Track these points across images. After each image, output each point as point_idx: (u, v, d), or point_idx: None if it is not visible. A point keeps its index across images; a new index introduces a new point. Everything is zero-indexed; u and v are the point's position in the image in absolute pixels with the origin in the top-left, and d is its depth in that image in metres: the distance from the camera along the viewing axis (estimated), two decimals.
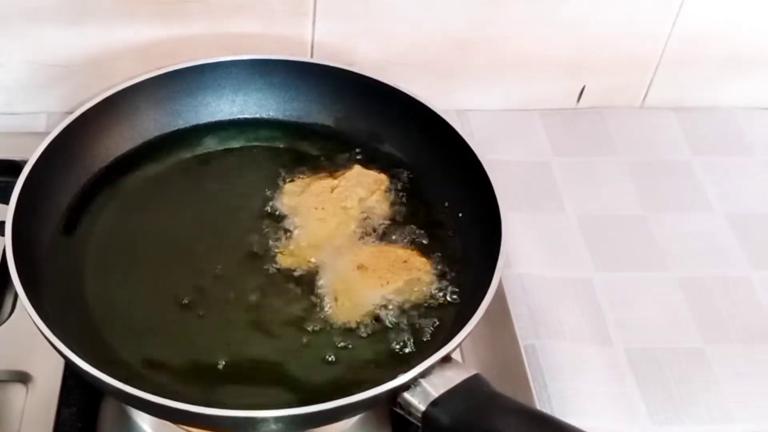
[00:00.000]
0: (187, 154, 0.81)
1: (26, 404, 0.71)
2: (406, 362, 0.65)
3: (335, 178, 0.78)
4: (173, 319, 0.69)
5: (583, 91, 0.98)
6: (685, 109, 1.00)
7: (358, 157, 0.81)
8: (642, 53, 0.96)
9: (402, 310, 0.70)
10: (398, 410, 0.62)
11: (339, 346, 0.68)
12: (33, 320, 0.62)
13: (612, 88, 0.98)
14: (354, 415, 0.68)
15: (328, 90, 0.83)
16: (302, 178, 0.79)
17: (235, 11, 0.87)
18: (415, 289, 0.71)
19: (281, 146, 0.83)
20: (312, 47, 0.91)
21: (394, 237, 0.75)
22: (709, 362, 0.78)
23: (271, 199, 0.77)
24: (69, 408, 0.71)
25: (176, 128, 0.82)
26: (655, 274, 0.85)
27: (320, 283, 0.71)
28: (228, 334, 0.68)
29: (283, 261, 0.73)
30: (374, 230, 0.75)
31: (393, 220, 0.76)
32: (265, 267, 0.72)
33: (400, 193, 0.78)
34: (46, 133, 0.74)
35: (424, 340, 0.68)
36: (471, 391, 0.61)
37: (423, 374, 0.61)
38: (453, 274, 0.72)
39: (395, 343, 0.68)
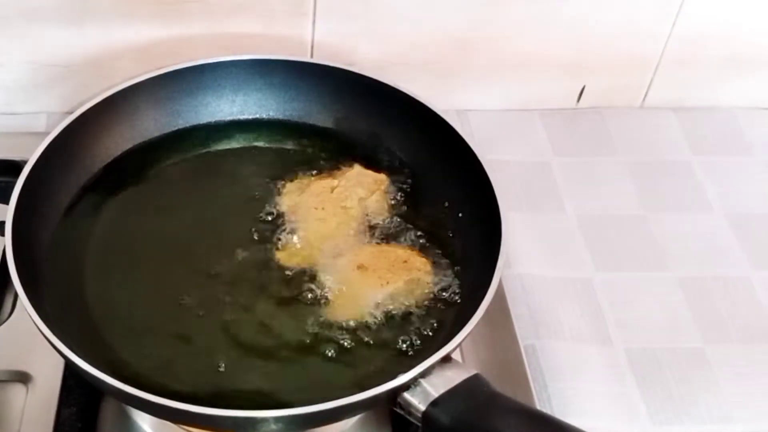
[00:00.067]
0: (187, 154, 0.81)
1: (26, 404, 0.71)
2: (406, 362, 0.65)
3: (335, 178, 0.78)
4: (173, 319, 0.69)
5: (583, 91, 0.98)
6: (685, 109, 1.00)
7: (358, 157, 0.81)
8: (642, 53, 0.96)
9: (402, 310, 0.70)
10: (398, 410, 0.62)
11: (339, 346, 0.68)
12: (33, 320, 0.62)
13: (612, 88, 0.98)
14: (354, 415, 0.68)
15: (328, 90, 0.83)
16: (302, 178, 0.79)
17: (235, 11, 0.87)
18: (415, 289, 0.71)
19: (281, 146, 0.83)
20: (312, 47, 0.91)
21: (394, 237, 0.75)
22: (709, 362, 0.78)
23: (271, 199, 0.77)
24: (69, 408, 0.71)
25: (176, 128, 0.82)
26: (655, 274, 0.85)
27: (320, 283, 0.71)
28: (228, 334, 0.68)
29: (283, 261, 0.73)
30: (374, 230, 0.75)
31: (393, 220, 0.76)
32: (265, 267, 0.72)
33: (400, 193, 0.78)
34: (46, 133, 0.74)
35: (424, 339, 0.68)
36: (471, 391, 0.61)
37: (423, 374, 0.61)
38: (453, 274, 0.72)
39: (395, 343, 0.68)
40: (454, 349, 0.62)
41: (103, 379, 0.60)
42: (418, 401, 0.61)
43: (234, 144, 0.83)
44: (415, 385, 0.61)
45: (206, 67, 0.82)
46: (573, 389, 0.76)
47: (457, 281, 0.72)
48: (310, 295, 0.71)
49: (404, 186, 0.79)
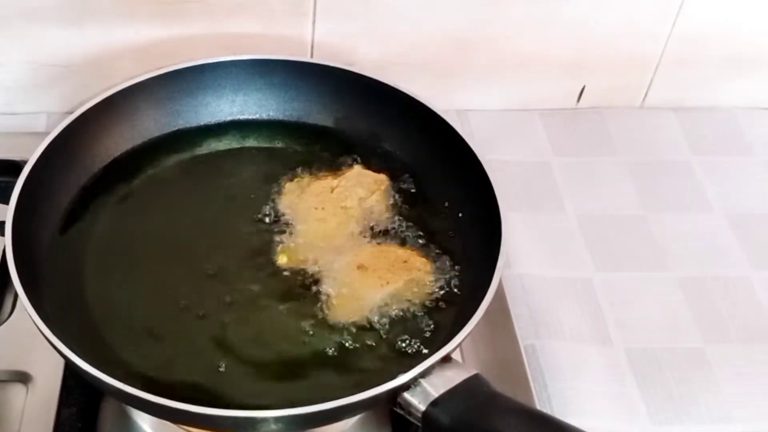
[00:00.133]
0: (187, 154, 0.81)
1: (26, 404, 0.71)
2: (406, 362, 0.65)
3: (335, 178, 0.78)
4: (173, 319, 0.69)
5: (583, 91, 0.98)
6: (685, 109, 1.00)
7: (358, 157, 0.81)
8: (642, 53, 0.96)
9: (402, 310, 0.70)
10: (398, 410, 0.62)
11: (339, 346, 0.68)
12: (33, 320, 0.62)
13: (612, 88, 0.98)
14: (354, 415, 0.68)
15: (328, 90, 0.83)
16: (302, 178, 0.79)
17: (235, 11, 0.87)
18: (415, 289, 0.71)
19: (281, 146, 0.83)
20: (312, 47, 0.91)
21: (393, 237, 0.75)
22: (709, 362, 0.78)
23: (271, 199, 0.77)
24: (69, 408, 0.71)
25: (176, 128, 0.82)
26: (655, 274, 0.85)
27: (320, 283, 0.71)
28: (227, 334, 0.68)
29: (283, 261, 0.73)
30: (374, 230, 0.75)
31: (393, 220, 0.76)
32: (265, 267, 0.72)
33: (400, 193, 0.78)
34: (46, 133, 0.74)
35: (424, 340, 0.68)
36: (471, 391, 0.61)
37: (423, 374, 0.61)
38: (453, 274, 0.72)
39: (395, 343, 0.68)
40: (454, 349, 0.62)
41: (103, 379, 0.60)
42: (418, 401, 0.61)
43: (234, 144, 0.83)
44: (415, 385, 0.61)
45: (206, 67, 0.82)
46: (573, 389, 0.76)
47: (457, 281, 0.72)
48: (310, 295, 0.71)
49: (404, 186, 0.79)
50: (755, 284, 0.84)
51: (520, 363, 0.76)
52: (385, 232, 0.75)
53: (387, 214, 0.77)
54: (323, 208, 0.76)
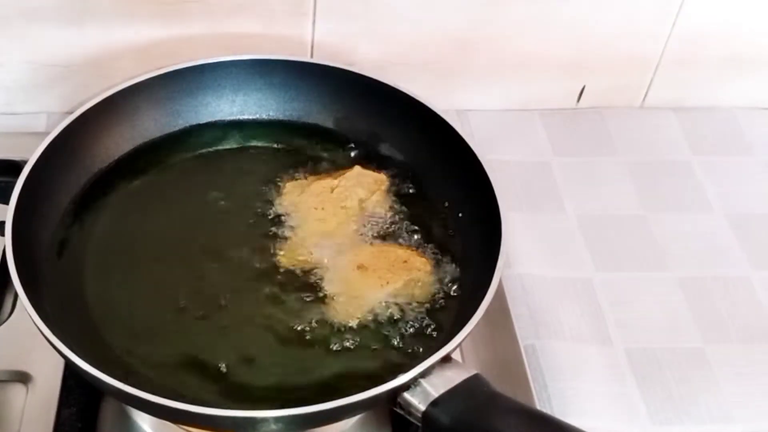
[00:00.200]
0: (187, 154, 0.81)
1: (26, 404, 0.71)
2: (406, 362, 0.65)
3: (335, 178, 0.78)
4: (173, 319, 0.69)
5: (583, 91, 0.98)
6: (685, 109, 1.00)
7: (358, 157, 0.81)
8: (642, 53, 0.96)
9: (402, 310, 0.70)
10: (398, 410, 0.62)
11: (339, 346, 0.68)
12: (33, 320, 0.62)
13: (612, 88, 0.98)
14: (354, 415, 0.68)
15: (328, 90, 0.83)
16: (302, 178, 0.79)
17: (235, 11, 0.87)
18: (415, 289, 0.71)
19: (281, 146, 0.83)
20: (312, 47, 0.91)
21: (394, 237, 0.75)
22: (709, 362, 0.78)
23: (271, 199, 0.77)
24: (69, 408, 0.71)
25: (176, 128, 0.82)
26: (655, 274, 0.85)
27: (320, 283, 0.71)
28: (227, 334, 0.68)
29: (283, 261, 0.73)
30: (374, 230, 0.75)
31: (393, 220, 0.76)
32: (265, 267, 0.72)
33: (400, 194, 0.78)
34: (46, 133, 0.74)
35: (424, 339, 0.68)
36: (471, 391, 0.61)
37: (423, 374, 0.61)
38: (453, 274, 0.72)
39: (395, 343, 0.68)
40: (454, 349, 0.62)
41: (103, 379, 0.60)
42: (418, 401, 0.61)
43: (234, 144, 0.83)
44: (415, 385, 0.61)
45: (206, 67, 0.82)
46: (573, 389, 0.76)
47: (457, 281, 0.72)
48: (309, 296, 0.71)
49: (404, 186, 0.79)
50: (755, 284, 0.84)
51: (520, 363, 0.76)
52: (385, 232, 0.75)
53: (387, 215, 0.77)
54: (323, 208, 0.76)
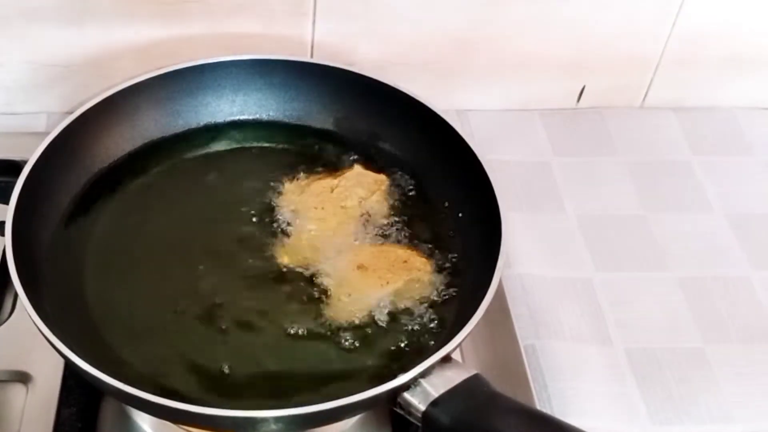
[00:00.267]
0: (187, 155, 0.81)
1: (26, 404, 0.71)
2: (406, 362, 0.65)
3: (335, 178, 0.78)
4: (173, 319, 0.69)
5: (583, 91, 0.98)
6: (685, 109, 1.00)
7: (358, 157, 0.81)
8: (642, 53, 0.96)
9: (402, 310, 0.70)
10: (398, 410, 0.62)
11: (339, 346, 0.68)
12: (33, 320, 0.62)
13: (612, 88, 0.98)
14: (354, 415, 0.68)
15: (328, 90, 0.83)
16: (302, 178, 0.79)
17: (235, 11, 0.87)
18: (415, 289, 0.71)
19: (281, 146, 0.83)
20: (312, 47, 0.91)
21: (394, 237, 0.75)
22: (709, 362, 0.78)
23: (271, 199, 0.77)
24: (69, 408, 0.71)
25: (176, 128, 0.82)
26: (655, 274, 0.85)
27: (320, 283, 0.71)
28: (227, 334, 0.68)
29: (283, 261, 0.73)
30: (374, 230, 0.75)
31: (393, 220, 0.76)
32: (265, 267, 0.72)
33: (400, 194, 0.78)
34: (46, 133, 0.74)
35: (424, 339, 0.68)
36: (471, 391, 0.61)
37: (423, 374, 0.61)
38: (453, 274, 0.72)
39: (395, 342, 0.68)
40: (454, 349, 0.62)
41: (103, 379, 0.60)
42: (418, 401, 0.61)
43: (234, 144, 0.83)
44: (415, 385, 0.61)
45: (206, 67, 0.82)
46: (573, 389, 0.76)
47: (457, 281, 0.72)
48: (309, 296, 0.71)
49: (404, 186, 0.79)
50: (755, 284, 0.84)
51: (520, 363, 0.76)
52: (385, 232, 0.75)
53: (387, 214, 0.77)
54: (323, 208, 0.76)
